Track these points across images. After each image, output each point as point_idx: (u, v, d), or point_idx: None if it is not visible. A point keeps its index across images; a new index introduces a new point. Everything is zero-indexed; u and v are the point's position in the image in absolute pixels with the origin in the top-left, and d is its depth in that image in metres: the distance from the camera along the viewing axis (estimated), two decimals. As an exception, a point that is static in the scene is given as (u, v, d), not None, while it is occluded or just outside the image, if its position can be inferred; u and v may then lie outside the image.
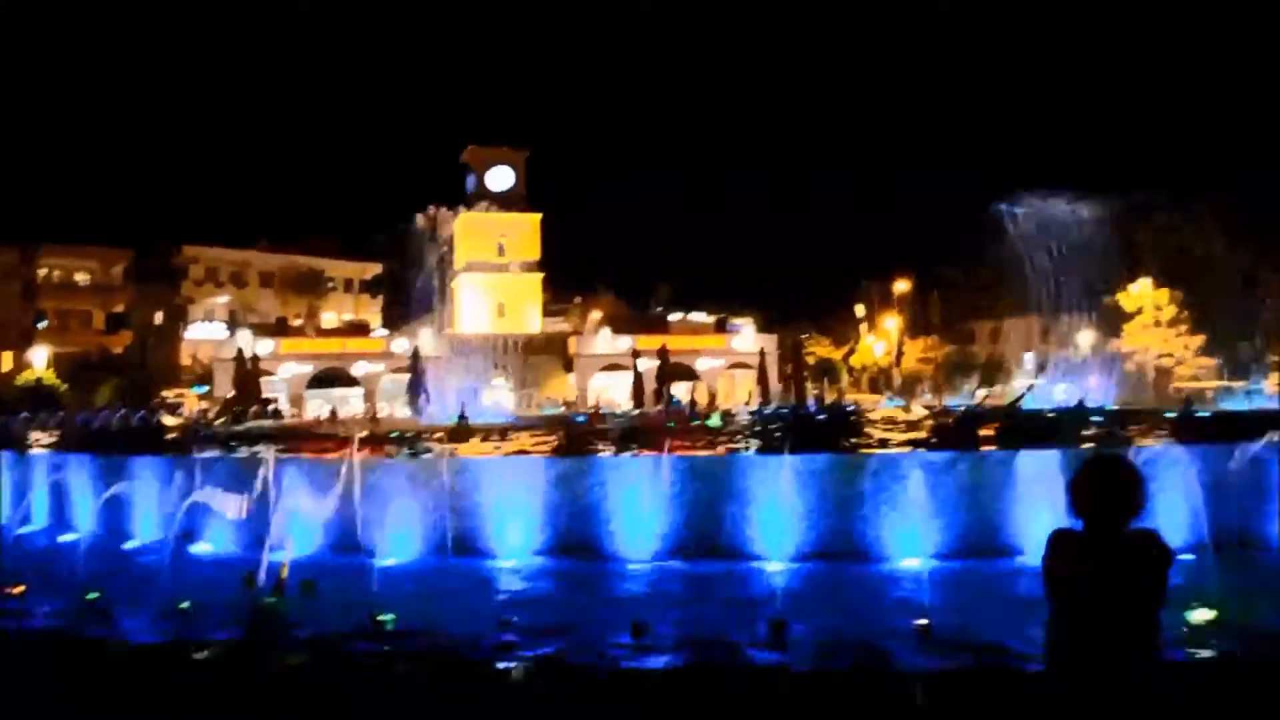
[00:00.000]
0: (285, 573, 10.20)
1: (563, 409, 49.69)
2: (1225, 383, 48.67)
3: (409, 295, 47.69)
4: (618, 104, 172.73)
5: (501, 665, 7.66)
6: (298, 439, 20.77)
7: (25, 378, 59.97)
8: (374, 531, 12.55)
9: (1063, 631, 4.43)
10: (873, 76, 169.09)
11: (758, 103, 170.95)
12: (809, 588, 10.77)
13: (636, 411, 46.17)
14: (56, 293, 76.67)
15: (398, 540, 12.55)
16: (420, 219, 44.90)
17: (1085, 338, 40.71)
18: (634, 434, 16.02)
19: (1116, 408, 27.94)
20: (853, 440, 16.16)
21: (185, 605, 9.59)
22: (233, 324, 74.43)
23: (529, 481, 12.99)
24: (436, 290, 49.01)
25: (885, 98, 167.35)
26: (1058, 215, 35.22)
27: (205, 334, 73.00)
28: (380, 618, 8.88)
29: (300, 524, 12.73)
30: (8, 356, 68.80)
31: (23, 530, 16.33)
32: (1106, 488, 4.35)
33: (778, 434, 12.63)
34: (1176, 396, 37.10)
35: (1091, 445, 14.66)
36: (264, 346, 61.47)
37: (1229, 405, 31.44)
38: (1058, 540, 4.53)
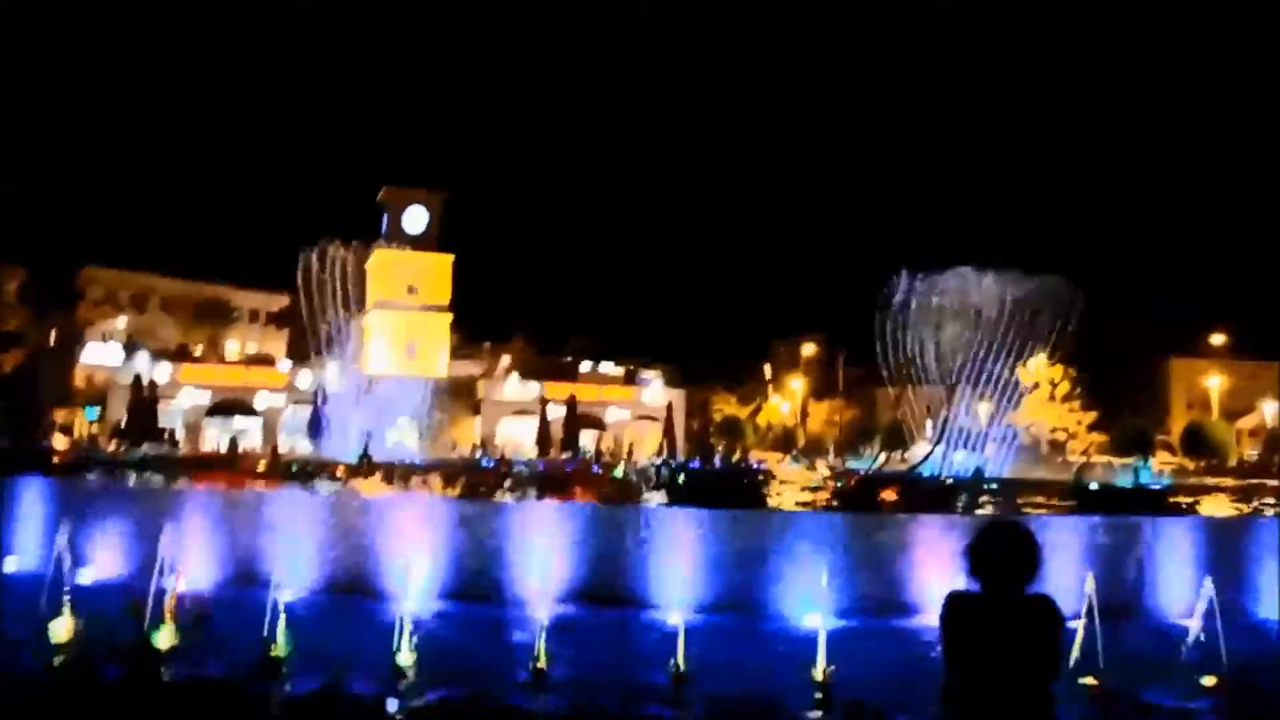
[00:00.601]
0: (173, 603, 9.88)
1: (472, 453, 49.21)
2: (1111, 459, 50.21)
3: (315, 329, 46.92)
4: (535, 151, 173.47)
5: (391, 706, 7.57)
6: (193, 468, 20.21)
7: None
8: (272, 564, 12.25)
9: (958, 692, 4.49)
10: (787, 132, 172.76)
11: (680, 155, 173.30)
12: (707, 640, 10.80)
13: (541, 459, 45.93)
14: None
15: (296, 573, 12.27)
16: (319, 251, 44.63)
17: (984, 409, 41.77)
18: (547, 481, 15.97)
19: (1011, 477, 28.64)
20: (757, 498, 16.31)
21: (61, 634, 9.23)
22: (131, 348, 72.32)
23: (432, 522, 12.84)
24: (344, 327, 48.33)
25: (797, 157, 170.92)
26: (963, 287, 36.28)
27: (101, 357, 70.80)
28: (273, 653, 8.67)
29: (194, 554, 12.37)
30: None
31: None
32: (1005, 552, 4.45)
33: (683, 488, 12.68)
34: (1067, 470, 38.18)
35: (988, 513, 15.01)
36: (162, 372, 59.85)
37: (1119, 481, 32.45)
38: (954, 601, 4.60)
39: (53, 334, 75.39)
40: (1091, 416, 58.93)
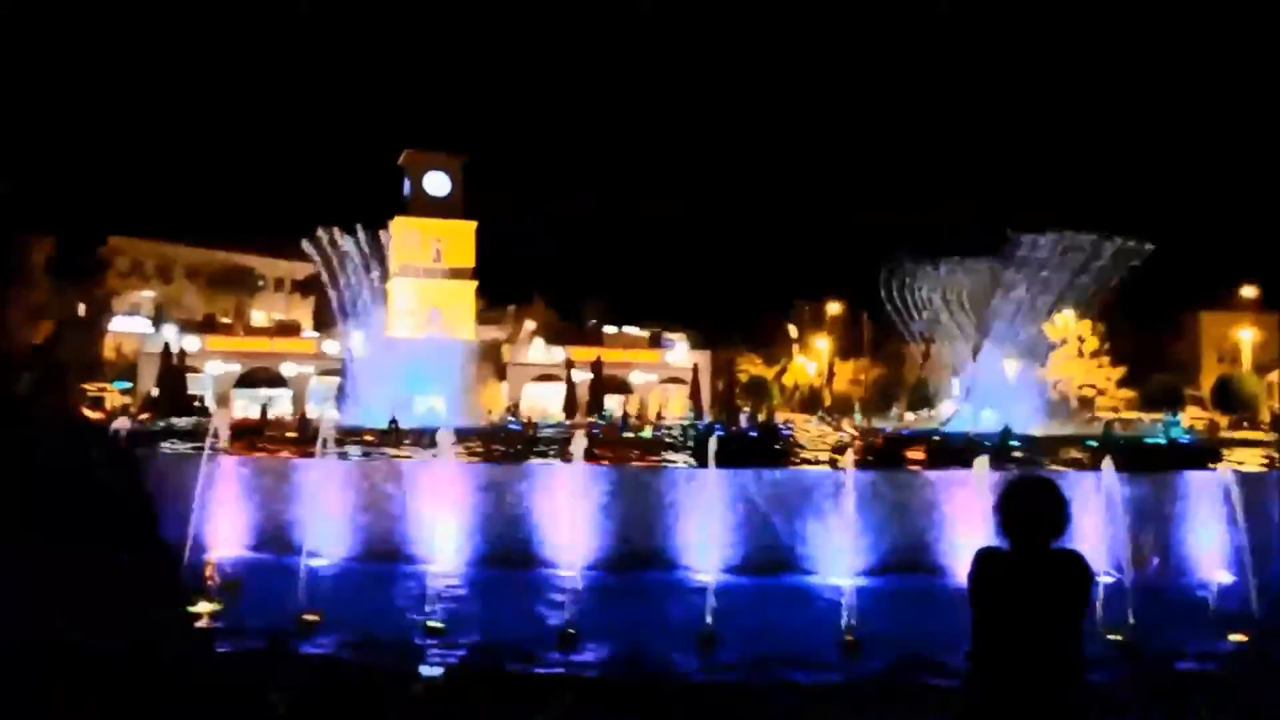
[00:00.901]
0: (211, 571, 10.05)
1: (504, 418, 49.38)
2: (1141, 414, 49.97)
3: (341, 297, 47.25)
4: (558, 115, 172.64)
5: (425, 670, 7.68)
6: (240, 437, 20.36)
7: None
8: (304, 531, 12.40)
9: (986, 648, 4.52)
10: (815, 91, 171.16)
11: (702, 117, 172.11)
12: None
13: (569, 422, 46.09)
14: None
15: (327, 540, 12.42)
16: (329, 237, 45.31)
17: (1011, 365, 41.59)
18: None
19: (1039, 434, 28.52)
20: (784, 457, 16.34)
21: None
22: (158, 319, 72.87)
23: (461, 487, 12.93)
24: (370, 293, 48.59)
25: (827, 111, 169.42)
26: (989, 247, 36.26)
27: (129, 328, 71.42)
28: (306, 617, 8.80)
29: (227, 522, 12.53)
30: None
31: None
32: (1033, 508, 4.46)
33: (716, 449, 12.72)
34: (1095, 426, 38.01)
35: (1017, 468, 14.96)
36: (190, 343, 60.35)
37: (1149, 437, 32.27)
38: (983, 558, 4.62)
39: (80, 305, 76.02)
40: (1120, 372, 58.47)
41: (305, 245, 46.32)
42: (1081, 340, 56.46)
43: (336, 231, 46.36)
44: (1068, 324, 55.80)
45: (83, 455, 15.28)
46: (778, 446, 18.44)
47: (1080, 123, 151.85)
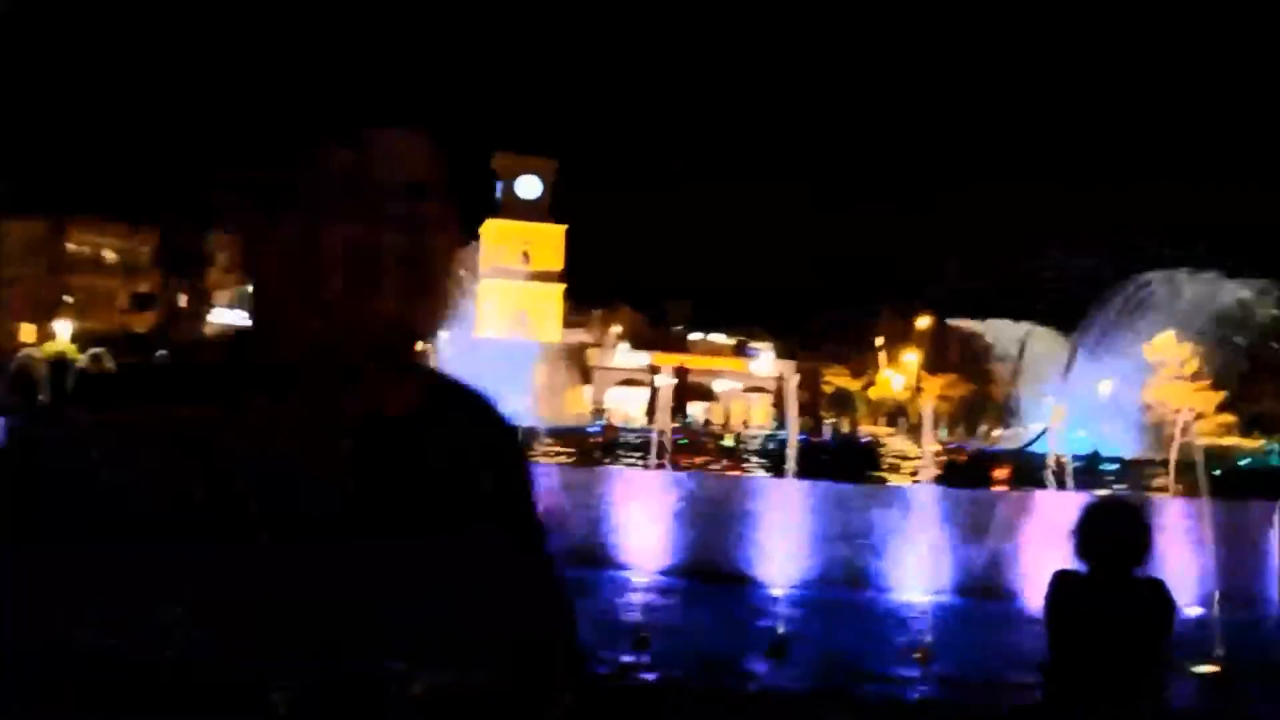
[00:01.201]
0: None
1: (594, 421, 49.72)
2: (1241, 440, 48.36)
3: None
4: (650, 119, 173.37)
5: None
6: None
7: (48, 350, 60.45)
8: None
9: (1062, 673, 4.44)
10: (912, 99, 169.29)
11: (798, 126, 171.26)
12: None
13: (652, 428, 46.14)
14: (83, 269, 77.32)
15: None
16: None
17: (1106, 386, 40.60)
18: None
19: (1132, 457, 27.80)
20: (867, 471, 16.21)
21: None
22: (257, 313, 74.88)
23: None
24: (459, 294, 49.58)
25: (924, 128, 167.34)
26: (1083, 266, 35.50)
27: (230, 320, 73.48)
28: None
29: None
30: (30, 330, 69.39)
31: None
32: (1114, 532, 4.36)
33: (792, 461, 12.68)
34: (1193, 451, 36.94)
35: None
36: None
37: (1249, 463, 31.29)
38: (1061, 581, 4.55)
39: (183, 297, 78.37)
40: (1221, 396, 56.63)
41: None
42: (1182, 363, 54.86)
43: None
44: (1168, 345, 54.29)
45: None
46: (861, 460, 18.29)
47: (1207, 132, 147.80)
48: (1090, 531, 4.40)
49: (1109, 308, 37.40)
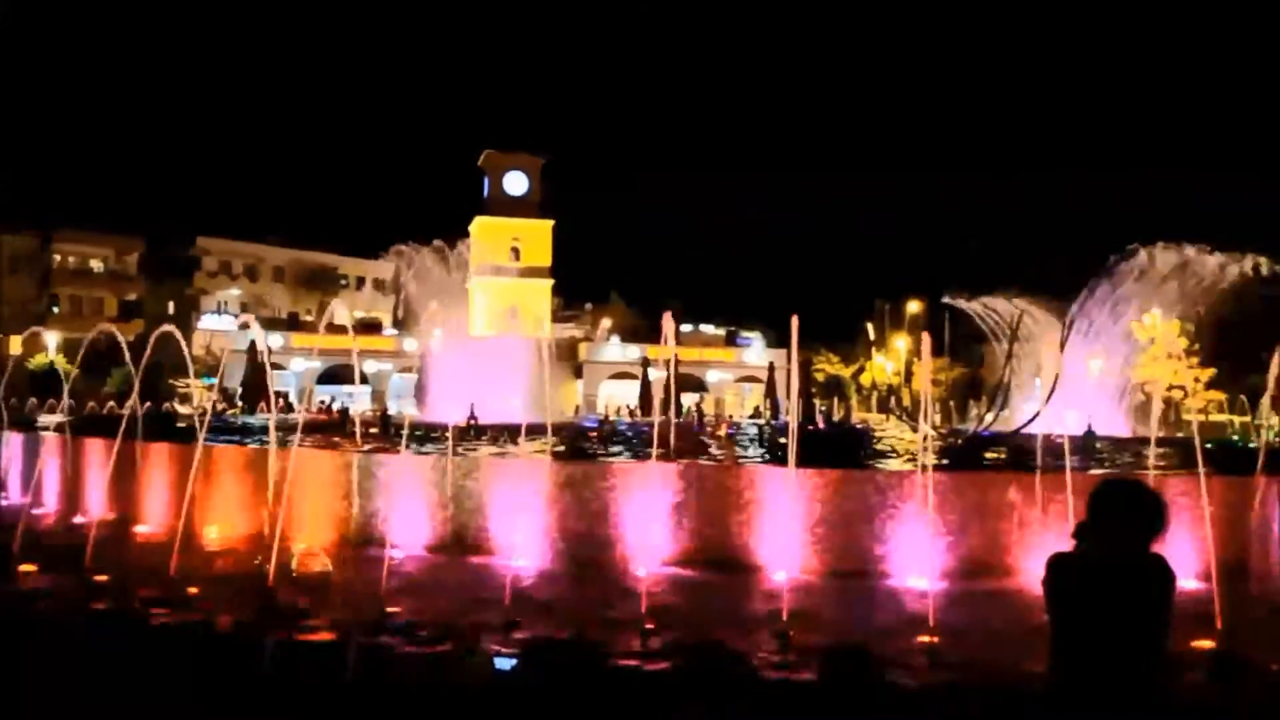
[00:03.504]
0: (297, 562, 10.29)
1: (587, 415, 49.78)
2: (1231, 417, 48.51)
3: (419, 296, 48.47)
4: (633, 114, 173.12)
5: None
6: (307, 432, 20.80)
7: (37, 362, 60.22)
8: (389, 525, 12.64)
9: (1065, 652, 4.47)
10: (897, 92, 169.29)
11: (778, 117, 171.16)
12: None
13: (644, 421, 46.20)
14: (70, 279, 77.15)
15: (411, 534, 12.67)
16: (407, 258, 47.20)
17: (1096, 365, 40.64)
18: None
19: (1124, 436, 27.83)
20: (861, 458, 16.18)
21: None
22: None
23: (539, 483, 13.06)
24: (450, 292, 49.57)
25: (911, 115, 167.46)
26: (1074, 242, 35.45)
27: (217, 326, 73.31)
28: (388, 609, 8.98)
29: (313, 515, 12.82)
30: (17, 340, 69.10)
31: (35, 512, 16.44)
32: (1133, 512, 4.36)
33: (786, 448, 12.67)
34: (1183, 428, 37.05)
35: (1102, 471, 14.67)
36: (275, 341, 61.70)
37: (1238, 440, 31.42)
38: (1059, 561, 4.57)
39: (170, 304, 78.21)
40: (1209, 373, 56.81)
41: (391, 254, 47.46)
42: (1171, 341, 54.95)
43: (419, 247, 47.53)
44: (1156, 323, 54.47)
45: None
46: (860, 446, 18.25)
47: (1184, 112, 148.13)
48: (1107, 509, 4.39)
49: (1095, 284, 37.58)
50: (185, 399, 51.67)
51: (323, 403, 51.46)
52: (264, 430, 19.43)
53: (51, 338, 64.20)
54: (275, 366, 57.66)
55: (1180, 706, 6.63)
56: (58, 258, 76.34)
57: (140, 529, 14.92)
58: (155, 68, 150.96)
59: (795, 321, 13.57)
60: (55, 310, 74.66)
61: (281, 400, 48.13)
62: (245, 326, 59.12)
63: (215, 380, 62.41)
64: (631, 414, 53.97)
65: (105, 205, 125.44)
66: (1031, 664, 6.85)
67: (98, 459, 16.29)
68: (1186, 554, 10.53)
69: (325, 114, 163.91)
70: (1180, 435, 22.49)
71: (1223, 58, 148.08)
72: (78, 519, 15.92)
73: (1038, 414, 21.47)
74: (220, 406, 43.23)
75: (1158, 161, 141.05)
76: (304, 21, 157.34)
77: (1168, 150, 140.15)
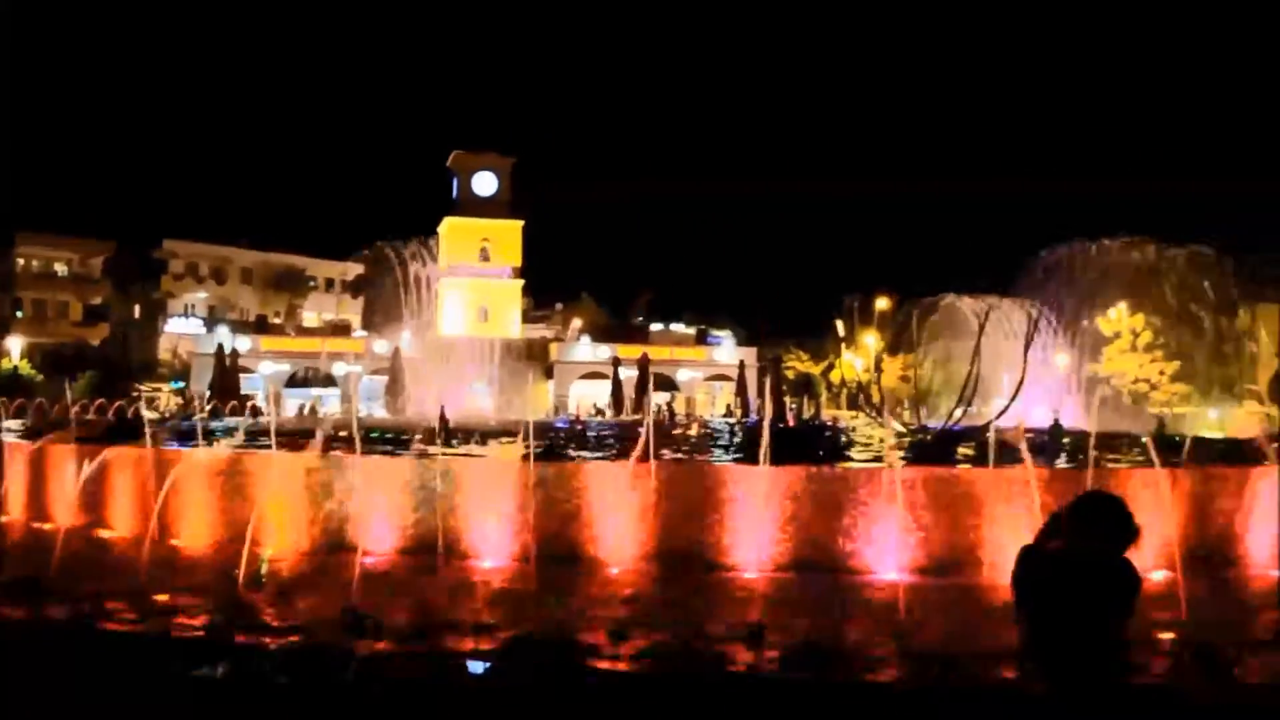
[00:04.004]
0: (265, 567, 10.23)
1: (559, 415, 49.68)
2: (1196, 409, 49.11)
3: (392, 299, 48.32)
4: (603, 113, 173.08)
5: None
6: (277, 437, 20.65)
7: (0, 367, 59.50)
8: (360, 528, 12.56)
9: (1035, 645, 4.58)
10: (863, 90, 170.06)
11: (748, 116, 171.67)
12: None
13: (616, 419, 46.22)
14: (34, 283, 76.24)
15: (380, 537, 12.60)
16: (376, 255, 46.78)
17: (1063, 360, 41.07)
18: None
19: (1092, 430, 28.07)
20: (831, 454, 16.28)
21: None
22: (212, 320, 74.07)
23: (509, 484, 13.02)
24: (417, 293, 49.43)
25: (877, 114, 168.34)
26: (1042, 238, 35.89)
27: (184, 329, 72.61)
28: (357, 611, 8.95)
29: (283, 519, 12.73)
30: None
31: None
32: (1108, 524, 4.49)
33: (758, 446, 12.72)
34: (1148, 421, 37.49)
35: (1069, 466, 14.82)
36: (243, 343, 61.21)
37: (1202, 431, 31.78)
38: (1027, 556, 4.71)
39: (136, 307, 77.41)
40: (1174, 366, 57.45)
41: (360, 255, 47.25)
42: (1135, 333, 55.54)
43: (388, 247, 47.30)
44: (1121, 317, 55.04)
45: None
46: (829, 443, 18.37)
47: (1106, 113, 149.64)
48: (1091, 519, 4.52)
49: (1044, 278, 38.17)
50: (150, 403, 51.22)
51: (301, 407, 51.10)
52: (258, 435, 19.15)
53: (15, 343, 63.49)
54: (243, 370, 57.18)
55: (1145, 691, 6.77)
56: (21, 261, 75.40)
57: (176, 541, 14.75)
58: (119, 69, 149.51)
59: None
60: (19, 314, 73.77)
61: (250, 405, 47.67)
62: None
63: (183, 385, 61.97)
64: (600, 413, 53.95)
65: (69, 208, 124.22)
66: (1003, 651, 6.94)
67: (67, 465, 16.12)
68: (1150, 545, 10.66)
69: (293, 115, 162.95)
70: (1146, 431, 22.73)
71: (1181, 61, 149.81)
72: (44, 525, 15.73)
73: (1005, 409, 21.59)
74: (190, 410, 42.85)
75: (1125, 161, 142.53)
76: (271, 23, 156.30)
77: (1130, 152, 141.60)
